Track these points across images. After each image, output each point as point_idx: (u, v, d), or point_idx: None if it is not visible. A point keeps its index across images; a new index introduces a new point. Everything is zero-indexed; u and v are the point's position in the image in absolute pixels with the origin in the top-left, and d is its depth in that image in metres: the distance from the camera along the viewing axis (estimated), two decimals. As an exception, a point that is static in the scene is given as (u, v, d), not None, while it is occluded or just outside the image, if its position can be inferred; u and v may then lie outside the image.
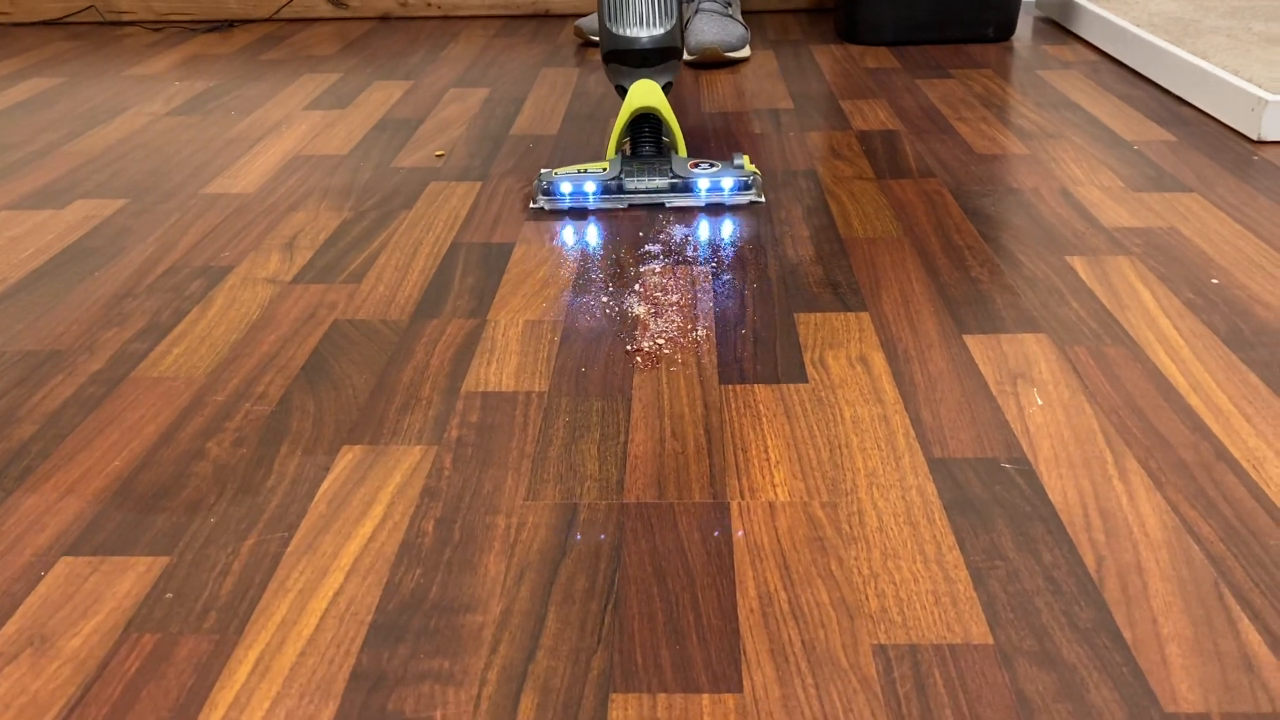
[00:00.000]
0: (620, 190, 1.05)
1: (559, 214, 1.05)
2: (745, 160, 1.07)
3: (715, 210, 1.05)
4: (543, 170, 1.08)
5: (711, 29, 1.60)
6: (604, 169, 1.06)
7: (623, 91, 1.08)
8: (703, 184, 1.05)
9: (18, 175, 1.20)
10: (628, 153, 1.09)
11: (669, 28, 1.06)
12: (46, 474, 0.66)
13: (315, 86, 1.55)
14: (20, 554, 0.59)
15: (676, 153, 1.07)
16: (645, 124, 1.08)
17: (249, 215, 1.07)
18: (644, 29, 1.05)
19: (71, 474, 0.66)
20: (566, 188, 1.05)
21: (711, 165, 1.06)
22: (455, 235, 1.01)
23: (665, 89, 1.07)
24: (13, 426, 0.71)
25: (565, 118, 1.38)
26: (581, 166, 1.07)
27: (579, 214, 1.04)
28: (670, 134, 1.07)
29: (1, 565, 0.58)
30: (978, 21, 1.71)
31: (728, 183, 1.05)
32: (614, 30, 1.06)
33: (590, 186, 1.05)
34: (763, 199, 1.06)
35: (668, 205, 1.05)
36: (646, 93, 1.04)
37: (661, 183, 1.05)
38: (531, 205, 1.06)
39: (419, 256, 0.96)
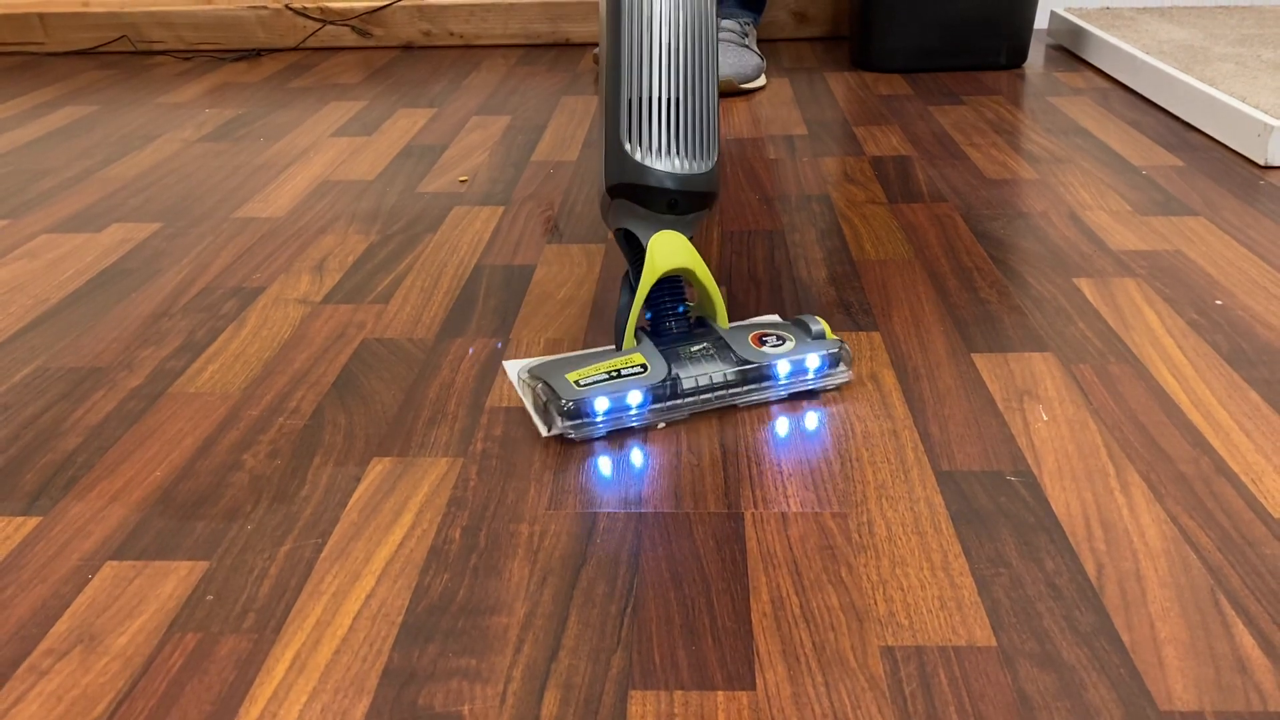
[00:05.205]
0: (676, 394, 0.73)
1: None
2: (825, 327, 0.78)
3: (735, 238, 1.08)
4: (533, 365, 0.76)
5: (727, 60, 1.63)
6: (642, 366, 0.73)
7: (630, 241, 0.77)
8: (782, 367, 0.75)
9: (56, 200, 1.24)
10: (647, 329, 0.78)
11: (712, 165, 0.75)
12: (91, 483, 0.69)
13: (342, 114, 1.59)
14: (68, 558, 0.62)
15: (716, 321, 0.78)
16: (665, 287, 0.77)
17: (279, 238, 1.10)
18: (679, 162, 0.73)
19: (115, 483, 0.69)
20: (602, 404, 0.71)
21: (780, 340, 0.76)
22: (479, 258, 1.04)
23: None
24: (58, 439, 0.74)
25: (585, 144, 1.41)
26: (610, 366, 0.73)
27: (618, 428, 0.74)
28: (709, 298, 0.78)
29: (51, 568, 0.61)
30: (990, 49, 1.74)
31: (813, 361, 0.76)
32: (634, 157, 0.73)
33: (635, 398, 0.72)
34: (850, 375, 0.78)
35: (741, 405, 0.75)
36: (673, 251, 0.74)
37: (729, 373, 0.74)
38: (546, 434, 0.72)
39: (444, 278, 0.99)
